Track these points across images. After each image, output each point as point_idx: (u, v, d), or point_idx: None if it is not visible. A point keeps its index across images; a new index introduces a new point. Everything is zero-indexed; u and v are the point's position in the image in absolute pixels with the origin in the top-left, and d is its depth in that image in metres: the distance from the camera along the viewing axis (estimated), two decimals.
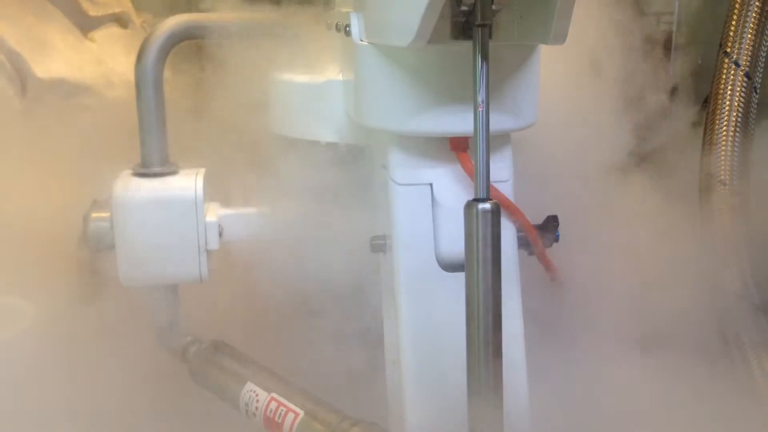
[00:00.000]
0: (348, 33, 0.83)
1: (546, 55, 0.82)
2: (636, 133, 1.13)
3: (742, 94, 1.08)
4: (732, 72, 1.09)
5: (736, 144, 1.07)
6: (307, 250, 0.96)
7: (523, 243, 0.87)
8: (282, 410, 0.88)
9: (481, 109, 0.71)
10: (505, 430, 0.73)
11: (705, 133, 1.10)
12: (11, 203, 1.09)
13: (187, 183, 0.97)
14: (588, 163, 1.06)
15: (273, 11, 0.99)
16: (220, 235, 0.98)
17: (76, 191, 1.00)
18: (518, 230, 0.86)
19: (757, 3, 1.09)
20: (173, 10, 1.10)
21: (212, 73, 1.01)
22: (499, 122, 0.78)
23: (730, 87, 1.08)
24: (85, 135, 1.18)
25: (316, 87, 0.93)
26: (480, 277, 0.72)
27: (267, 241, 0.99)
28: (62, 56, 1.31)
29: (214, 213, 0.99)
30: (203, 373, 0.98)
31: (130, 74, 1.02)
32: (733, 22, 1.10)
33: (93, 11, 1.36)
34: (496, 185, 0.82)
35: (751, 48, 1.09)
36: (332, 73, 0.94)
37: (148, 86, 0.99)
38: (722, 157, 1.06)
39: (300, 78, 0.96)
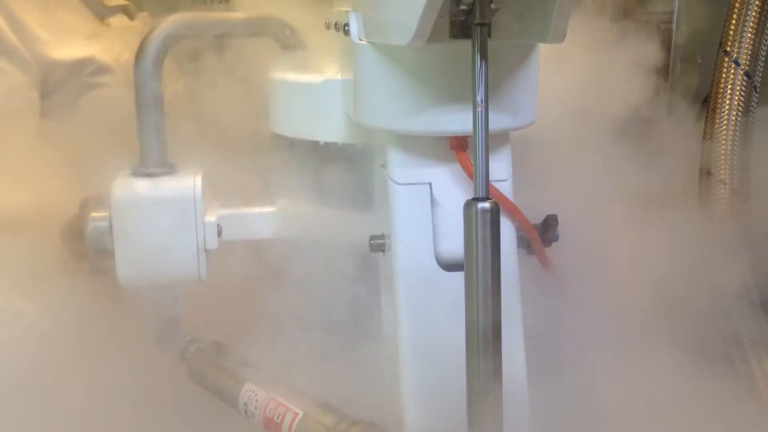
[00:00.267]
0: (347, 32, 0.83)
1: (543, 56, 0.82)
2: (635, 133, 1.12)
3: (742, 93, 1.08)
4: (732, 71, 1.08)
5: (736, 143, 1.07)
6: (306, 250, 0.96)
7: (523, 242, 0.87)
8: (281, 410, 0.88)
9: (480, 109, 0.71)
10: (504, 430, 0.73)
11: (705, 132, 1.09)
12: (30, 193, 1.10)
13: (186, 183, 0.97)
14: (587, 163, 1.06)
15: (272, 10, 0.99)
16: (219, 234, 0.98)
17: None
18: (518, 229, 0.86)
19: (757, 2, 1.09)
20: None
21: (211, 72, 1.01)
22: (498, 121, 0.78)
23: (730, 86, 1.08)
24: (108, 115, 1.21)
25: (315, 86, 0.93)
26: (479, 277, 0.72)
27: (266, 240, 0.99)
28: (84, 38, 1.36)
29: (213, 213, 0.98)
30: (202, 373, 0.98)
31: None
32: (733, 21, 1.10)
33: (108, 0, 1.41)
34: (495, 184, 0.82)
35: (751, 47, 1.08)
36: (331, 73, 0.94)
37: (146, 85, 0.99)
38: (722, 156, 1.06)
39: (299, 77, 0.96)
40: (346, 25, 0.83)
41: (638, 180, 1.08)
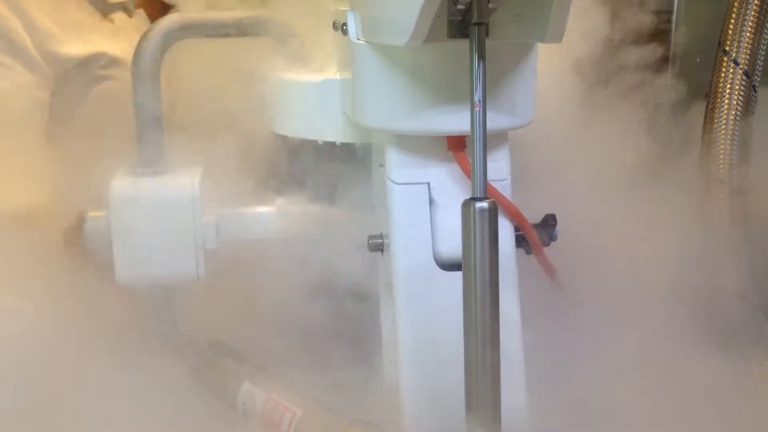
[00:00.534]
0: (345, 32, 0.83)
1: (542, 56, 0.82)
2: (634, 133, 1.12)
3: (741, 92, 1.07)
4: (731, 70, 1.08)
5: (735, 142, 1.07)
6: (305, 250, 0.96)
7: (521, 242, 0.87)
8: (279, 409, 0.88)
9: (478, 109, 0.71)
10: (503, 429, 0.73)
11: (704, 132, 1.09)
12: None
13: (184, 182, 0.97)
14: (586, 163, 1.06)
15: (271, 9, 0.99)
16: (218, 234, 0.98)
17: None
18: (516, 229, 0.86)
19: (756, 1, 1.09)
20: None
21: (209, 71, 1.01)
22: (496, 121, 0.78)
23: (729, 85, 1.08)
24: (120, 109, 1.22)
25: (314, 86, 0.93)
26: (477, 276, 0.72)
27: (265, 240, 0.99)
28: (94, 33, 1.38)
29: (211, 212, 0.98)
30: (201, 372, 0.98)
31: None
32: (732, 21, 1.10)
33: None
34: (493, 184, 0.82)
35: (750, 46, 1.08)
36: (330, 72, 0.94)
37: (144, 85, 0.99)
38: (721, 156, 1.06)
39: (297, 77, 0.95)
40: (344, 24, 0.83)
41: (637, 180, 1.08)
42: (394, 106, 0.80)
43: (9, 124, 1.25)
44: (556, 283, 0.92)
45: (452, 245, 0.82)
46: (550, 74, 0.93)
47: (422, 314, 0.83)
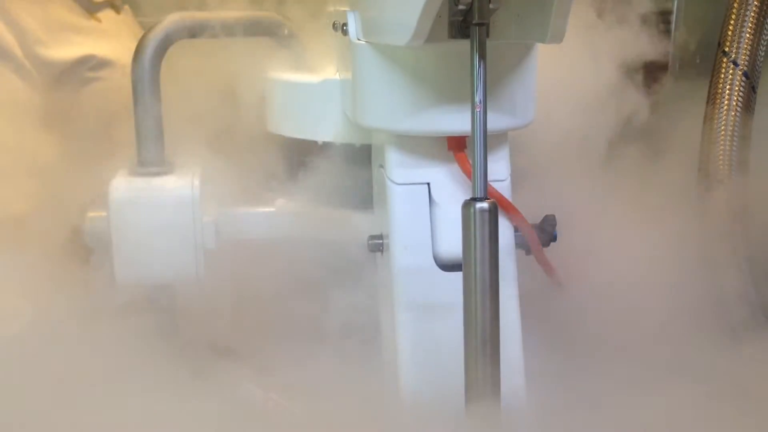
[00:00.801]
0: (345, 32, 0.83)
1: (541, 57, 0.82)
2: (634, 133, 1.12)
3: (741, 93, 1.08)
4: (730, 71, 1.08)
5: (735, 143, 1.07)
6: (304, 250, 0.96)
7: (521, 242, 0.87)
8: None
9: (478, 109, 0.71)
10: (503, 430, 0.73)
11: (703, 132, 1.09)
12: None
13: (184, 182, 0.97)
14: (585, 163, 1.06)
15: (270, 9, 0.99)
16: (218, 234, 0.98)
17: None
18: (516, 229, 0.86)
19: (755, 2, 1.09)
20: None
21: (208, 71, 1.01)
22: (496, 121, 0.78)
23: (728, 86, 1.08)
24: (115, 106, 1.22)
25: (313, 86, 0.93)
26: (477, 277, 0.72)
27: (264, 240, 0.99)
28: (82, 34, 1.37)
29: (211, 212, 0.98)
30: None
31: None
32: (732, 22, 1.10)
33: None
34: (493, 184, 0.82)
35: (749, 47, 1.08)
36: (329, 72, 0.94)
37: (144, 85, 0.99)
38: (720, 157, 1.06)
39: (297, 77, 0.96)
40: (344, 24, 0.83)
41: (637, 180, 1.08)
42: (394, 107, 0.80)
43: None
44: (556, 284, 0.92)
45: (452, 246, 0.82)
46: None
47: (422, 315, 0.83)
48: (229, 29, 1.00)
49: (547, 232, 0.89)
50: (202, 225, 0.97)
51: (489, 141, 0.72)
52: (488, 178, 0.73)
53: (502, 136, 0.85)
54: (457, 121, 0.78)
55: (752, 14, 1.10)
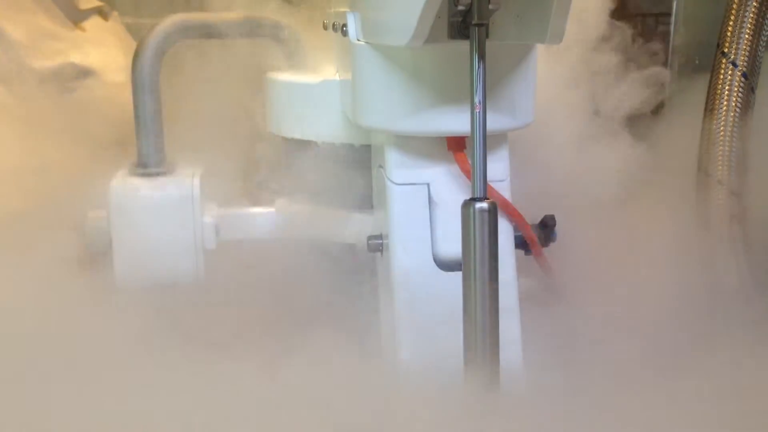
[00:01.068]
0: (345, 33, 0.83)
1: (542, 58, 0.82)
2: (633, 133, 1.13)
3: (740, 93, 1.08)
4: (729, 72, 1.09)
5: (734, 143, 1.07)
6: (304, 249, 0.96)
7: (521, 242, 0.87)
8: None
9: (478, 110, 0.71)
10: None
11: (702, 133, 1.10)
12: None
13: (184, 183, 0.97)
14: (585, 164, 1.06)
15: (269, 11, 0.99)
16: (217, 234, 0.98)
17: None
18: (515, 230, 0.86)
19: (754, 3, 1.09)
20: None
21: (208, 72, 1.01)
22: (496, 122, 0.78)
23: (727, 87, 1.08)
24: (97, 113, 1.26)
25: (313, 87, 0.93)
26: (477, 276, 0.72)
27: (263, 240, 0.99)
28: (65, 43, 1.39)
29: (211, 213, 0.98)
30: None
31: (124, 59, 1.19)
32: (731, 23, 1.10)
33: (83, 4, 1.45)
34: (493, 185, 0.82)
35: (748, 48, 1.09)
36: (329, 73, 0.94)
37: (144, 86, 0.99)
38: (719, 157, 1.06)
39: (297, 78, 0.96)
40: (344, 25, 0.83)
41: (636, 180, 1.09)
42: (394, 107, 0.80)
43: None
44: (555, 283, 0.92)
45: (451, 246, 0.82)
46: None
47: (421, 315, 0.83)
48: (228, 30, 1.00)
49: (546, 232, 0.89)
50: (202, 225, 0.97)
51: (488, 141, 0.72)
52: (488, 179, 0.73)
53: (501, 137, 0.85)
54: (456, 121, 0.78)
55: (751, 15, 1.10)
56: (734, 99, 1.08)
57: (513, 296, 0.83)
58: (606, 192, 1.05)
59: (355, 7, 0.83)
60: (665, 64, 1.40)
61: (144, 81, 1.00)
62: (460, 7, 0.70)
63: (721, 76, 1.10)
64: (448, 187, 0.83)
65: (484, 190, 0.72)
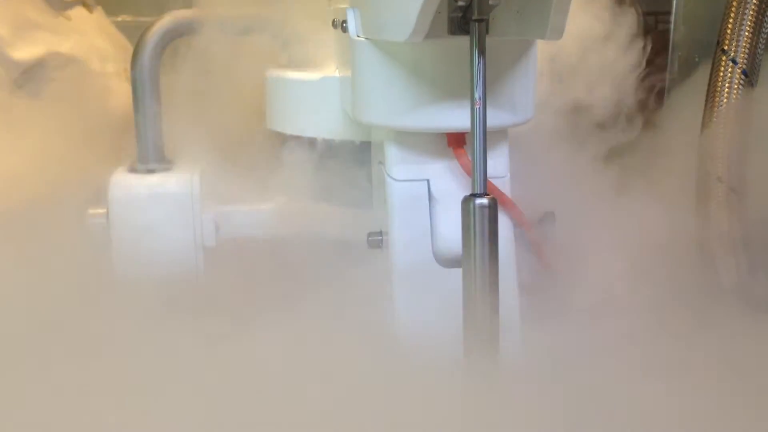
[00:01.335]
0: (345, 29, 0.83)
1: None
2: (633, 132, 1.12)
3: (740, 91, 1.08)
4: (729, 69, 1.09)
5: (734, 141, 1.07)
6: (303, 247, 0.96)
7: (520, 239, 0.87)
8: None
9: (478, 106, 0.71)
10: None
11: (702, 130, 1.10)
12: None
13: (184, 179, 0.97)
14: (584, 161, 1.06)
15: (268, 7, 0.99)
16: (217, 231, 0.98)
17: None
18: (515, 226, 0.86)
19: (754, 1, 1.09)
20: None
21: (208, 69, 1.01)
22: (496, 118, 0.78)
23: (727, 84, 1.08)
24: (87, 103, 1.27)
25: (313, 83, 0.93)
26: (477, 273, 0.72)
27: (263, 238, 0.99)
28: (48, 32, 1.38)
29: (210, 209, 0.98)
30: None
31: (112, 49, 1.26)
32: (731, 20, 1.10)
33: None
34: (493, 181, 0.82)
35: (748, 45, 1.09)
36: (329, 70, 0.94)
37: (144, 83, 0.99)
38: (719, 154, 1.07)
39: (296, 74, 0.96)
40: (344, 21, 0.83)
41: (636, 178, 1.09)
42: (394, 103, 0.80)
43: None
44: (554, 279, 0.92)
45: (451, 242, 0.82)
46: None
47: (421, 311, 0.83)
48: (228, 27, 1.00)
49: (546, 228, 0.89)
50: (201, 221, 0.97)
51: (488, 137, 0.72)
52: (488, 175, 0.73)
53: (501, 133, 0.85)
54: (456, 117, 0.78)
55: (751, 13, 1.10)
56: (734, 96, 1.09)
57: (513, 291, 0.83)
58: (604, 189, 1.05)
59: (355, 3, 0.83)
60: (665, 61, 1.39)
61: (144, 78, 1.00)
62: (460, 3, 0.70)
63: (721, 74, 1.10)
64: (448, 183, 0.83)
65: (484, 186, 0.72)
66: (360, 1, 0.82)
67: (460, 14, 0.72)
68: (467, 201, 0.72)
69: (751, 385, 0.80)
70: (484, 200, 0.72)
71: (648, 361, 0.86)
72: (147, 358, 0.81)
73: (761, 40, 1.10)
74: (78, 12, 1.46)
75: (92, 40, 1.44)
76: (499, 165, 0.84)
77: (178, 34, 1.01)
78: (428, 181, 0.83)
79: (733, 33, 1.10)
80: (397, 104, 0.80)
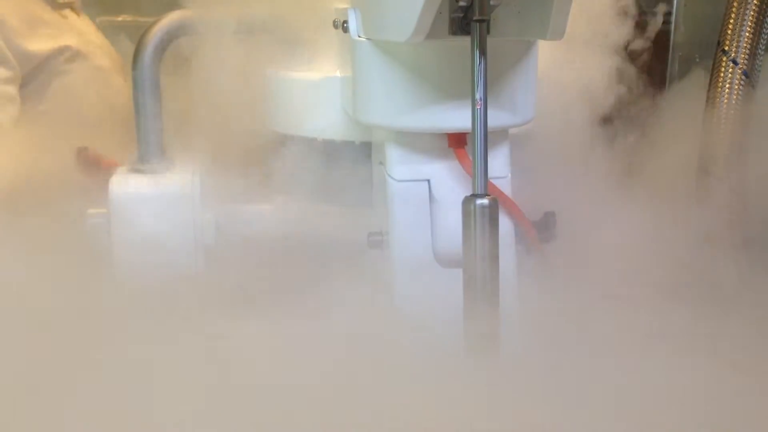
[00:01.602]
0: (345, 29, 0.83)
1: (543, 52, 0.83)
2: (633, 133, 1.13)
3: (740, 91, 1.08)
4: (730, 70, 1.09)
5: (734, 141, 1.07)
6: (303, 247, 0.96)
7: (521, 239, 0.87)
8: None
9: (479, 106, 0.71)
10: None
11: (703, 131, 1.10)
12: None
13: (184, 179, 0.97)
14: (584, 161, 1.06)
15: (269, 7, 0.99)
16: (217, 230, 0.98)
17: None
18: (516, 226, 0.86)
19: (755, 2, 1.09)
20: None
21: (208, 69, 1.01)
22: (497, 118, 0.79)
23: (728, 85, 1.08)
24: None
25: (314, 83, 0.93)
26: (478, 273, 0.72)
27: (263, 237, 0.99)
28: (54, 28, 1.42)
29: (210, 209, 0.98)
30: None
31: (106, 46, 1.36)
32: (731, 21, 1.10)
33: None
34: (493, 181, 0.82)
35: (748, 46, 1.09)
36: (329, 70, 0.94)
37: (144, 83, 0.99)
38: (720, 155, 1.07)
39: (297, 74, 0.96)
40: (345, 22, 0.83)
41: (637, 178, 1.09)
42: (394, 103, 0.80)
43: None
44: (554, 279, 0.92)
45: (452, 242, 0.82)
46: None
47: (421, 312, 0.83)
48: (228, 27, 1.00)
49: (546, 229, 0.89)
50: (201, 221, 0.97)
51: (489, 138, 0.72)
52: (488, 175, 0.73)
53: (502, 133, 0.85)
54: (457, 117, 0.78)
55: (752, 13, 1.10)
56: (734, 97, 1.09)
57: (513, 292, 0.83)
58: (603, 189, 1.05)
59: (356, 3, 0.83)
60: (665, 62, 1.40)
61: (144, 78, 1.00)
62: (461, 3, 0.70)
63: (722, 74, 1.10)
64: (448, 183, 0.83)
65: (484, 187, 0.72)
66: (361, 2, 0.82)
67: (461, 14, 0.72)
68: (468, 201, 0.72)
69: (748, 384, 0.80)
70: (485, 200, 0.72)
71: (648, 361, 0.86)
72: (147, 357, 0.81)
73: (762, 40, 1.11)
74: (69, 13, 1.48)
75: (89, 38, 1.48)
76: (499, 165, 0.84)
77: (179, 34, 1.01)
78: (428, 181, 0.83)
79: (733, 34, 1.10)
80: (398, 105, 0.80)
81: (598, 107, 1.05)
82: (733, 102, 1.09)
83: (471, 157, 0.73)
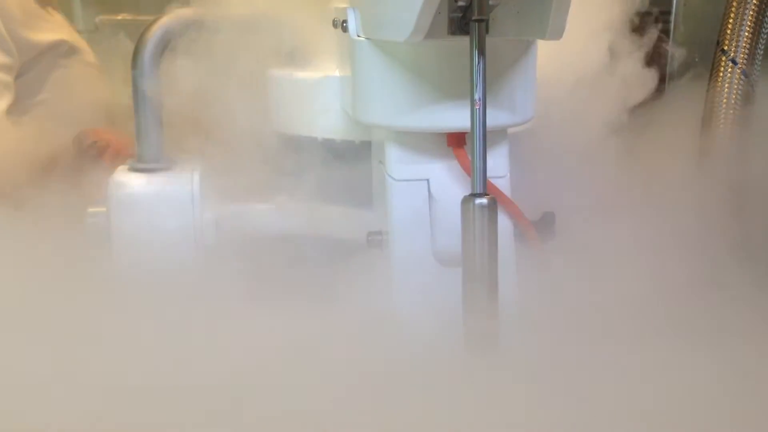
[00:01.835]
0: (345, 29, 0.83)
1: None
2: (633, 134, 1.13)
3: (739, 91, 1.08)
4: (729, 70, 1.09)
5: (734, 141, 1.07)
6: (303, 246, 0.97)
7: (520, 239, 0.87)
8: None
9: (478, 106, 0.71)
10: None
11: (702, 131, 1.10)
12: None
13: (184, 178, 0.97)
14: (585, 162, 1.06)
15: (269, 6, 0.99)
16: (217, 230, 0.98)
17: None
18: (515, 226, 0.86)
19: (754, 1, 1.09)
20: None
21: (208, 68, 1.01)
22: (496, 118, 0.79)
23: (727, 84, 1.09)
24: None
25: (313, 83, 0.93)
26: (477, 272, 0.72)
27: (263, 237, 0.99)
28: (47, 22, 1.45)
29: (210, 208, 0.98)
30: None
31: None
32: (731, 21, 1.10)
33: None
34: (492, 181, 0.82)
35: (748, 46, 1.09)
36: (329, 69, 0.94)
37: (144, 81, 0.99)
38: (719, 154, 1.07)
39: (297, 74, 0.96)
40: (344, 21, 0.83)
41: (637, 178, 1.09)
42: (394, 103, 0.80)
43: None
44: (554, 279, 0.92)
45: (451, 241, 0.82)
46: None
47: (421, 311, 0.83)
48: (228, 27, 1.00)
49: (546, 229, 0.89)
50: (201, 221, 0.97)
51: (488, 137, 0.72)
52: (487, 175, 0.73)
53: (501, 133, 0.85)
54: (456, 117, 0.78)
55: (751, 13, 1.10)
56: (734, 97, 1.09)
57: (513, 291, 0.83)
58: (602, 189, 1.05)
59: (355, 3, 0.83)
60: (665, 61, 1.40)
61: (144, 76, 1.00)
62: (460, 3, 0.70)
63: (721, 74, 1.10)
64: (447, 183, 0.83)
65: (483, 186, 0.72)
66: (360, 1, 0.82)
67: (460, 14, 0.72)
68: (467, 201, 0.72)
69: (747, 384, 0.80)
70: (484, 200, 0.72)
71: (647, 362, 0.86)
72: (147, 357, 0.81)
73: (761, 40, 1.11)
74: (53, 11, 1.50)
75: (75, 36, 1.51)
76: (498, 165, 0.84)
77: (178, 33, 1.01)
78: (428, 180, 0.84)
79: (733, 33, 1.10)
80: (397, 104, 0.80)
81: (597, 107, 1.05)
82: (732, 102, 1.09)
83: (470, 157, 0.73)
